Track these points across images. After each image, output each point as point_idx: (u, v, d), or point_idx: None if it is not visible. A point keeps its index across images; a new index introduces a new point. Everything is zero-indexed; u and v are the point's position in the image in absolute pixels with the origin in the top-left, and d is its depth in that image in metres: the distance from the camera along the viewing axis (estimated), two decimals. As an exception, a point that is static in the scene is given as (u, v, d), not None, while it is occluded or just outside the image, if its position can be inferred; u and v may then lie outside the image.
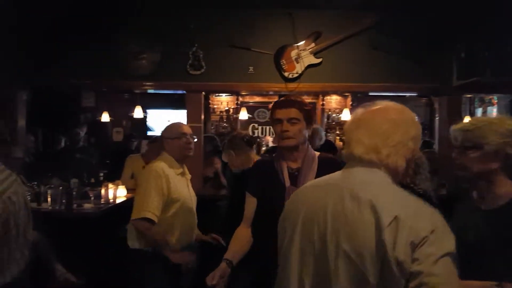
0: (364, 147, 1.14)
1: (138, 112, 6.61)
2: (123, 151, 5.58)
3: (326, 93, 7.00)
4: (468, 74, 4.07)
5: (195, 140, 2.68)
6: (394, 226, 0.98)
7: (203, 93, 4.69)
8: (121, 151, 5.84)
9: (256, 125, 8.24)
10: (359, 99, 7.33)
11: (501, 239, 1.49)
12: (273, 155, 2.01)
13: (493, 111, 8.25)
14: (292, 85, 4.46)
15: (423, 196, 1.94)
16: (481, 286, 1.42)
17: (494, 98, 8.01)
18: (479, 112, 8.12)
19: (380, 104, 1.22)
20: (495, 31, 4.15)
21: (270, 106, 8.10)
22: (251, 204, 1.97)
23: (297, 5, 4.37)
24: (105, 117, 7.15)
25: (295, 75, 4.41)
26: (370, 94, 4.93)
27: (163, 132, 2.68)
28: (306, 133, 1.89)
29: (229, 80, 4.49)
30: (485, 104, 8.16)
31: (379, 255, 0.98)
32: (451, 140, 1.64)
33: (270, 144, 7.44)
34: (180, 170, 2.58)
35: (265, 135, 8.23)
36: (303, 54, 4.36)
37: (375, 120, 1.17)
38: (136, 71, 4.39)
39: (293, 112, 1.84)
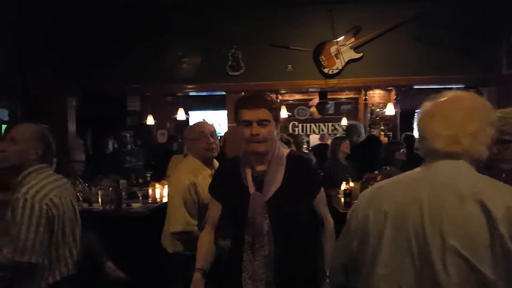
0: (444, 139, 1.12)
1: (181, 114, 6.79)
2: (167, 152, 5.75)
3: (368, 87, 6.84)
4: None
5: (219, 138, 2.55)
6: (507, 217, 0.97)
7: (243, 93, 4.73)
8: (165, 152, 6.02)
9: (296, 122, 8.21)
10: (403, 93, 7.11)
11: None
12: (239, 156, 1.80)
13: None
14: (332, 81, 4.40)
15: None
16: None
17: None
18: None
19: (449, 94, 1.19)
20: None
21: (311, 103, 8.13)
22: (215, 207, 1.83)
23: (335, 0, 4.31)
24: (150, 120, 7.40)
25: (336, 71, 4.35)
26: (415, 87, 4.76)
27: (184, 133, 2.60)
28: (275, 133, 1.71)
29: (268, 79, 4.50)
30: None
31: (495, 249, 0.97)
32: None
33: (316, 142, 7.39)
34: (209, 171, 2.41)
35: (306, 132, 8.19)
36: (343, 50, 4.29)
37: (449, 110, 1.14)
38: (179, 74, 4.51)
39: (263, 113, 1.63)
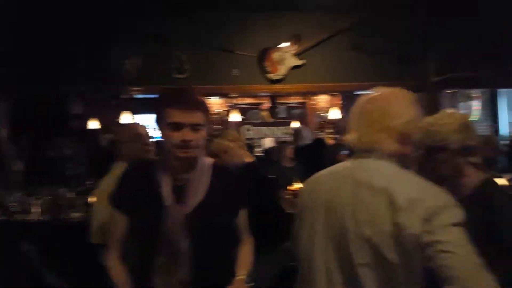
0: (358, 136, 1.21)
1: (125, 118, 6.61)
2: (111, 158, 5.58)
3: (313, 93, 7.08)
4: (445, 70, 4.20)
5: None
6: (409, 208, 1.05)
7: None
8: (108, 157, 5.83)
9: (250, 126, 8.28)
10: (348, 98, 7.44)
11: (473, 225, 1.54)
12: (153, 161, 1.56)
13: (475, 105, 8.43)
14: (277, 87, 4.53)
15: None
16: None
17: (476, 93, 8.17)
18: (462, 106, 8.28)
19: (374, 92, 1.27)
20: (470, 29, 4.29)
21: (262, 106, 8.27)
22: (119, 223, 1.46)
23: (279, 8, 4.45)
24: (94, 124, 7.13)
25: (280, 77, 4.47)
26: (358, 93, 5.00)
27: (116, 135, 2.49)
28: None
29: (214, 83, 4.55)
30: (467, 98, 8.31)
31: (397, 235, 1.05)
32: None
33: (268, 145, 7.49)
34: None
35: (260, 137, 8.28)
36: (286, 56, 4.43)
37: (367, 109, 1.24)
38: (121, 76, 4.42)
39: (198, 117, 1.40)
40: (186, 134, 1.38)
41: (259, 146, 7.64)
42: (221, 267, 1.47)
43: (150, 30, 4.44)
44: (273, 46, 4.47)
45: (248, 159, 2.99)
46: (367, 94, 1.28)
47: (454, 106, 8.19)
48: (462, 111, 8.35)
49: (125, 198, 1.47)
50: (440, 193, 1.11)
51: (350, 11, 4.44)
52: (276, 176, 4.62)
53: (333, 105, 7.58)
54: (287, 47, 4.44)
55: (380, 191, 1.11)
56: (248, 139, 7.31)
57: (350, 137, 1.24)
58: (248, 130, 8.26)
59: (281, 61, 4.43)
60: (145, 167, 1.51)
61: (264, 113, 8.28)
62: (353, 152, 1.26)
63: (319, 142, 6.04)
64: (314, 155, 5.21)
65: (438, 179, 1.52)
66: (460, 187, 1.64)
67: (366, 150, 1.20)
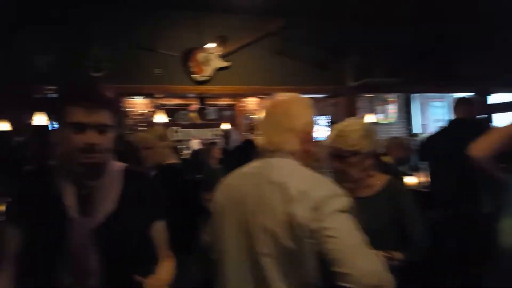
0: (266, 137, 1.32)
1: (39, 119, 6.10)
2: (18, 163, 5.11)
3: (239, 95, 7.12)
4: (361, 76, 4.47)
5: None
6: (300, 198, 1.15)
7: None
8: (18, 161, 5.34)
9: (179, 128, 8.07)
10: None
11: (379, 222, 1.75)
12: (53, 168, 1.33)
13: (391, 108, 9.10)
14: (202, 88, 4.47)
15: None
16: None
17: (392, 97, 8.83)
18: (379, 109, 8.90)
19: (278, 97, 1.38)
20: (383, 37, 4.60)
21: (191, 108, 8.12)
22: (14, 237, 1.26)
23: (205, 9, 4.39)
24: (3, 126, 6.49)
25: (205, 78, 4.42)
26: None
27: (52, 140, 2.43)
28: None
29: (136, 82, 4.36)
30: (384, 102, 8.95)
31: (291, 224, 1.14)
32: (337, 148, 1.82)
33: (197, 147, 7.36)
34: None
35: (189, 138, 8.11)
36: (211, 57, 4.39)
37: (271, 112, 1.35)
38: (34, 73, 4.07)
39: (105, 117, 1.24)
40: (91, 137, 1.21)
41: (187, 148, 7.52)
42: (135, 287, 1.26)
43: (65, 26, 4.14)
44: (199, 47, 4.40)
45: (171, 160, 2.91)
46: (271, 99, 1.38)
47: (371, 109, 8.78)
48: (379, 114, 8.99)
49: (22, 211, 1.27)
50: (328, 184, 1.22)
51: (275, 16, 4.52)
52: (204, 178, 4.57)
53: (262, 107, 7.71)
54: (213, 48, 4.41)
55: (278, 185, 1.21)
56: (177, 141, 7.15)
57: (259, 139, 1.35)
58: (176, 131, 8.08)
59: (206, 62, 4.38)
60: (44, 175, 1.31)
61: (193, 115, 8.17)
62: (262, 152, 1.34)
63: (248, 143, 6.10)
64: (243, 156, 5.22)
65: (351, 179, 1.80)
66: (369, 186, 1.85)
67: (273, 150, 1.30)
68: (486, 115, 5.58)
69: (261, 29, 4.51)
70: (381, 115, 9.04)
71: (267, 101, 1.39)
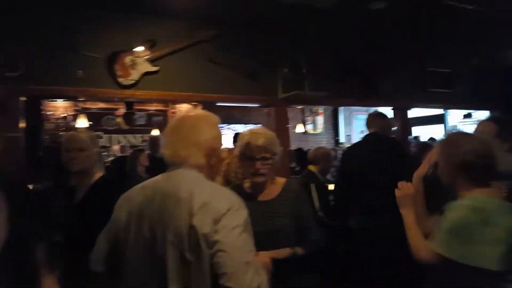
0: (171, 150, 1.36)
1: None
2: None
3: (170, 101, 6.94)
4: (291, 88, 4.58)
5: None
6: (202, 210, 1.20)
7: (23, 98, 4.10)
8: None
9: (102, 133, 7.62)
10: (209, 109, 7.51)
11: (279, 222, 1.94)
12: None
13: (320, 120, 9.50)
14: (128, 92, 4.26)
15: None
16: (277, 253, 1.83)
17: (320, 109, 9.22)
18: (308, 120, 9.26)
19: (180, 114, 1.46)
20: (312, 52, 4.78)
21: (117, 112, 7.72)
22: None
23: (135, 11, 4.20)
24: None
25: (131, 82, 4.22)
26: (219, 104, 5.08)
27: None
28: None
29: (55, 84, 4.03)
30: (313, 113, 9.32)
31: (192, 236, 1.19)
32: (251, 151, 1.97)
33: (118, 154, 6.99)
34: None
35: (112, 144, 7.71)
36: (138, 61, 4.21)
37: (178, 126, 1.39)
38: None
39: None
40: None
41: (110, 154, 7.16)
42: None
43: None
44: (126, 50, 4.20)
45: (100, 170, 2.69)
46: (179, 114, 1.46)
47: (302, 120, 9.09)
48: (309, 125, 9.33)
49: None
50: (229, 197, 1.28)
51: (209, 23, 4.46)
52: (129, 186, 4.35)
53: (169, 122, 7.57)
54: (141, 52, 4.23)
55: (182, 199, 1.25)
56: (101, 147, 6.76)
57: (165, 152, 1.38)
58: (99, 137, 7.66)
59: (133, 65, 4.19)
60: None
61: (120, 120, 7.80)
62: (168, 165, 1.38)
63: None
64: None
65: (259, 183, 1.97)
66: (268, 190, 2.03)
67: (178, 163, 1.34)
68: (405, 129, 6.01)
69: (193, 36, 4.42)
70: (311, 126, 9.40)
71: (175, 116, 1.46)
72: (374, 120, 3.41)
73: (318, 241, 2.02)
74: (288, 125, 5.40)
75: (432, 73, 5.91)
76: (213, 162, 1.38)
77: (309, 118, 9.40)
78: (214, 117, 1.45)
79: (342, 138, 9.77)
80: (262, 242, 1.69)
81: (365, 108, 8.66)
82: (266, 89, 4.82)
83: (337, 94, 5.24)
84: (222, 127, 8.21)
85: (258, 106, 5.42)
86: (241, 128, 8.58)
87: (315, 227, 2.04)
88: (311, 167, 4.14)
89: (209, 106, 7.10)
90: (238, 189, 2.01)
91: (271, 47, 4.78)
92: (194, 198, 1.23)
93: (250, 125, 8.67)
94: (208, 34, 4.42)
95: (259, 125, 8.31)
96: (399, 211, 1.86)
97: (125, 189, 1.48)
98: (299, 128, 8.95)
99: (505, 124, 2.39)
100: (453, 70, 6.09)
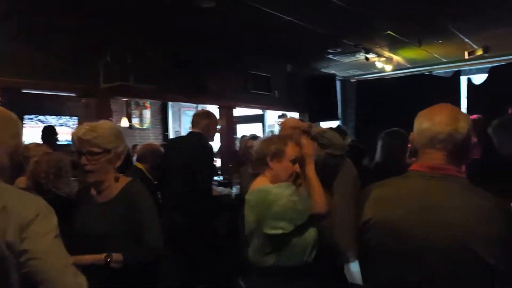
0: None
1: None
2: None
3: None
4: (114, 78, 4.25)
5: None
6: (2, 215, 1.10)
7: None
8: None
9: None
10: (13, 95, 6.34)
11: (109, 225, 1.80)
12: None
13: (147, 114, 9.21)
14: None
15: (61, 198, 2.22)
16: (92, 259, 1.70)
17: (148, 102, 8.95)
18: (135, 114, 8.85)
19: None
20: (141, 43, 4.53)
21: None
22: None
23: None
24: None
25: None
26: (25, 91, 4.33)
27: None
28: None
29: None
30: (140, 107, 8.96)
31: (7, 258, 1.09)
32: (75, 145, 1.78)
33: None
34: None
35: None
36: None
37: None
38: None
39: None
40: None
41: None
42: None
43: None
44: None
45: None
46: None
47: (127, 113, 8.62)
48: (135, 118, 8.93)
49: None
50: (37, 201, 1.20)
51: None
52: None
53: None
54: None
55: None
56: None
57: None
58: None
59: None
60: None
61: None
62: None
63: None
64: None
65: (93, 180, 1.81)
66: (108, 191, 1.86)
67: None
68: (231, 127, 6.33)
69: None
70: (137, 120, 9.01)
71: None
72: (199, 119, 3.49)
73: (152, 249, 1.83)
74: (111, 118, 5.02)
75: (253, 76, 6.42)
76: (16, 162, 1.29)
77: (136, 112, 8.99)
78: (6, 113, 1.32)
79: (171, 134, 9.69)
80: (91, 245, 1.72)
81: (194, 105, 8.80)
82: (85, 77, 4.32)
83: (166, 89, 5.14)
84: (31, 118, 7.12)
85: (75, 96, 4.86)
86: (53, 120, 7.56)
87: (151, 233, 1.83)
88: (138, 165, 3.92)
89: (12, 93, 6.09)
90: (82, 191, 1.96)
91: (94, 31, 4.32)
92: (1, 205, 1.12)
93: (64, 117, 7.73)
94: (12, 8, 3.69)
95: (74, 117, 7.54)
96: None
97: None
98: (124, 122, 8.47)
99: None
100: (272, 74, 6.75)
